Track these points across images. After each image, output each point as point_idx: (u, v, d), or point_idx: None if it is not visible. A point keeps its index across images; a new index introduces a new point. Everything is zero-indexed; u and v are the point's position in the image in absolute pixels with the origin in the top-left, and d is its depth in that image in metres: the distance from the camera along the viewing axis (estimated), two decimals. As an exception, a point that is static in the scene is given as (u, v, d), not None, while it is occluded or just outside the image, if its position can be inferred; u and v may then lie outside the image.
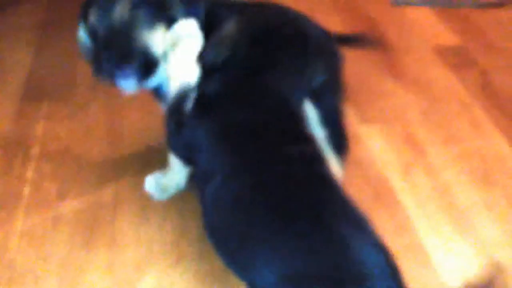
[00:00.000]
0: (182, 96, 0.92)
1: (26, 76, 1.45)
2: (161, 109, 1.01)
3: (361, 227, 0.81)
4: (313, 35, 1.09)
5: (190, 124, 0.91)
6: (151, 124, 1.29)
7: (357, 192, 1.14)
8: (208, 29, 0.94)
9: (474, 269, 1.01)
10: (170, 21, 0.92)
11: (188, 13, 0.93)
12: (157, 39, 0.92)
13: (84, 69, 1.47)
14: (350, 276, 0.75)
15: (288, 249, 0.77)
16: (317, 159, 0.87)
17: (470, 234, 1.07)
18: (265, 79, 0.94)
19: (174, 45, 0.94)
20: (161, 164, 1.19)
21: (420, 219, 1.10)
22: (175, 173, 1.11)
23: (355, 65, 1.51)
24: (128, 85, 0.92)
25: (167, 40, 0.92)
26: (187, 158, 0.98)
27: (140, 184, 1.16)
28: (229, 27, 0.97)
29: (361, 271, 0.75)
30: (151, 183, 1.13)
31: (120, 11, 0.90)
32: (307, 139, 0.89)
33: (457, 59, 1.55)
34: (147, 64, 0.91)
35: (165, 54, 0.92)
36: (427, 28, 1.69)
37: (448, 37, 1.64)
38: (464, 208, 1.12)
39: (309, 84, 1.05)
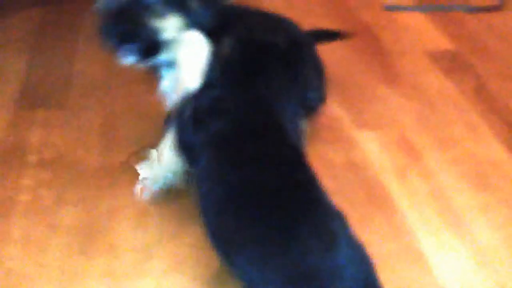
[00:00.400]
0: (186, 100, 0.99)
1: (20, 84, 1.45)
2: (159, 90, 1.08)
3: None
4: (305, 44, 1.10)
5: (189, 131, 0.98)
6: (146, 130, 1.30)
7: (353, 196, 1.16)
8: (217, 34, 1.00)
9: (471, 273, 1.01)
10: (184, 12, 0.97)
11: (204, 13, 0.98)
12: (166, 25, 0.96)
13: (78, 77, 1.48)
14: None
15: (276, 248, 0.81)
16: (301, 164, 0.92)
17: (466, 237, 1.08)
18: (257, 92, 0.99)
19: (182, 45, 0.98)
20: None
21: (416, 223, 1.10)
22: (165, 168, 1.12)
23: (348, 69, 1.52)
24: (128, 60, 1.00)
25: (177, 28, 0.97)
26: (188, 157, 1.02)
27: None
28: (226, 41, 1.01)
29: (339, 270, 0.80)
30: (146, 169, 1.14)
31: None
32: (292, 147, 0.95)
33: (451, 63, 1.56)
34: (150, 47, 0.96)
35: (172, 41, 0.97)
36: (421, 33, 1.70)
37: (441, 41, 1.66)
38: (460, 211, 1.13)
39: (304, 95, 1.10)
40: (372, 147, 1.28)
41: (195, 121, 0.98)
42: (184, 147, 1.02)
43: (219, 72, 0.99)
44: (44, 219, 1.10)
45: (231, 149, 0.93)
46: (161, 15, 0.96)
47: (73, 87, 1.44)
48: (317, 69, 1.20)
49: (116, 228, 1.09)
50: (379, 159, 1.25)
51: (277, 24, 1.16)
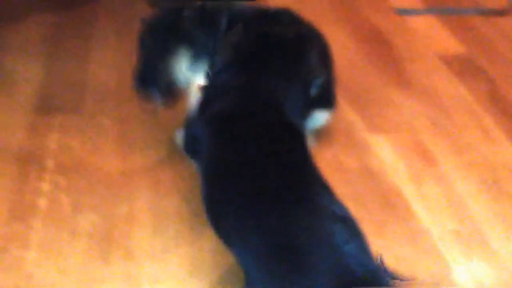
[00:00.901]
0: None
1: (37, 89, 1.46)
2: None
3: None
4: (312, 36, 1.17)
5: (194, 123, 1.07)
6: (162, 135, 1.31)
7: (367, 200, 1.16)
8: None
9: (487, 277, 1.02)
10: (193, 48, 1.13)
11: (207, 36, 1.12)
12: (179, 69, 1.14)
13: (93, 82, 1.50)
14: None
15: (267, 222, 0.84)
16: (295, 142, 0.96)
17: (481, 241, 1.08)
18: (259, 76, 1.04)
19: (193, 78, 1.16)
20: (174, 173, 1.21)
21: (432, 228, 1.11)
22: None
23: (361, 74, 1.53)
24: (155, 100, 1.19)
25: (188, 68, 1.14)
26: (194, 150, 1.09)
27: (153, 195, 1.18)
28: (235, 30, 1.11)
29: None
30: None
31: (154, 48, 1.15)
32: (288, 127, 0.99)
33: (463, 67, 1.56)
34: (169, 88, 1.15)
35: (188, 77, 1.15)
36: (432, 37, 1.70)
37: (453, 45, 1.66)
38: (475, 216, 1.13)
39: (308, 82, 1.12)
40: (386, 152, 1.29)
41: (201, 104, 1.06)
42: (190, 139, 1.09)
43: (228, 58, 1.07)
44: (63, 224, 1.11)
45: (227, 126, 0.99)
46: (172, 62, 1.14)
47: (88, 92, 1.46)
48: (325, 61, 1.21)
49: (134, 234, 1.10)
50: (393, 163, 1.26)
51: (286, 18, 1.19)
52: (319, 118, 1.21)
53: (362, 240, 0.83)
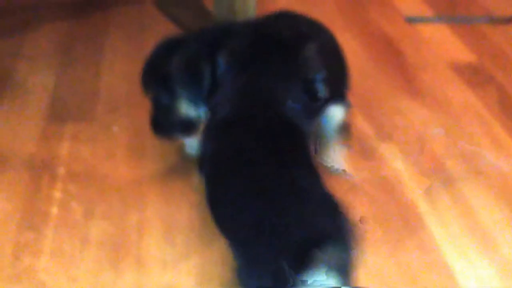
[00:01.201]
0: None
1: (48, 97, 1.47)
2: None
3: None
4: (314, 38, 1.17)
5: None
6: (173, 144, 1.31)
7: (378, 210, 1.16)
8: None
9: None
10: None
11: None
12: (187, 109, 1.18)
13: (105, 91, 1.51)
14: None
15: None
16: (289, 137, 0.98)
17: (494, 254, 1.08)
18: (255, 82, 1.06)
19: None
20: (184, 184, 1.21)
21: (443, 238, 1.10)
22: None
23: (371, 82, 1.53)
24: (178, 139, 1.26)
25: (194, 106, 1.18)
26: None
27: (163, 203, 1.18)
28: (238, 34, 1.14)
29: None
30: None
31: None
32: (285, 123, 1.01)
33: (474, 76, 1.56)
34: (187, 126, 1.20)
35: (198, 111, 1.18)
36: (443, 45, 1.70)
37: (463, 53, 1.66)
38: (488, 227, 1.12)
39: (309, 82, 1.12)
40: (397, 161, 1.28)
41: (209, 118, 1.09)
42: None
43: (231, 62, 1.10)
44: (75, 232, 1.12)
45: (226, 129, 1.01)
46: (183, 103, 1.18)
47: (100, 100, 1.47)
48: (330, 55, 1.22)
49: (144, 243, 1.10)
50: (404, 172, 1.25)
51: (283, 18, 1.22)
52: (334, 114, 1.21)
53: (345, 221, 0.87)
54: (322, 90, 1.11)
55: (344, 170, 1.23)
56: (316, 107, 1.12)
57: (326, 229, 0.83)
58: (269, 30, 1.15)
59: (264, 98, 1.03)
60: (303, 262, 0.79)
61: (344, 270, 0.82)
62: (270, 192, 0.88)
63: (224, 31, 1.19)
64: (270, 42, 1.11)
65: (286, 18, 1.22)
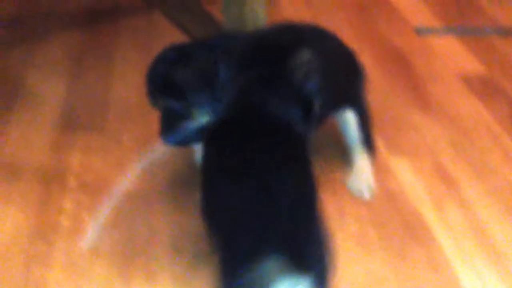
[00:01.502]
0: None
1: (60, 107, 1.48)
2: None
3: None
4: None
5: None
6: (183, 154, 1.32)
7: (388, 225, 1.16)
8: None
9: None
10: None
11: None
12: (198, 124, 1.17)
13: (115, 100, 1.51)
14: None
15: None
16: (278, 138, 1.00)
17: (505, 270, 1.07)
18: (248, 90, 1.08)
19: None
20: (193, 191, 1.21)
21: (454, 254, 1.10)
22: None
23: (380, 95, 1.53)
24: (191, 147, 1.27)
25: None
26: None
27: (172, 214, 1.18)
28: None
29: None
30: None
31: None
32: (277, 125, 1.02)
33: (484, 88, 1.56)
34: (202, 133, 1.16)
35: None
36: (452, 56, 1.70)
37: (474, 65, 1.65)
38: (499, 243, 1.12)
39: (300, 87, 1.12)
40: (407, 175, 1.28)
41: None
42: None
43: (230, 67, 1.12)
44: (85, 243, 1.12)
45: (218, 136, 1.03)
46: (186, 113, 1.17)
47: (111, 109, 1.47)
48: (334, 61, 1.23)
49: (154, 254, 1.10)
50: (414, 187, 1.25)
51: (295, 29, 1.23)
52: (347, 120, 1.24)
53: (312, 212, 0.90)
54: (315, 97, 1.11)
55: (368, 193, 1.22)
56: (314, 113, 1.12)
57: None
58: (269, 36, 1.17)
59: (256, 102, 1.04)
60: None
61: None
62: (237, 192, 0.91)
63: (228, 38, 1.20)
64: (267, 48, 1.12)
65: (289, 26, 1.23)
